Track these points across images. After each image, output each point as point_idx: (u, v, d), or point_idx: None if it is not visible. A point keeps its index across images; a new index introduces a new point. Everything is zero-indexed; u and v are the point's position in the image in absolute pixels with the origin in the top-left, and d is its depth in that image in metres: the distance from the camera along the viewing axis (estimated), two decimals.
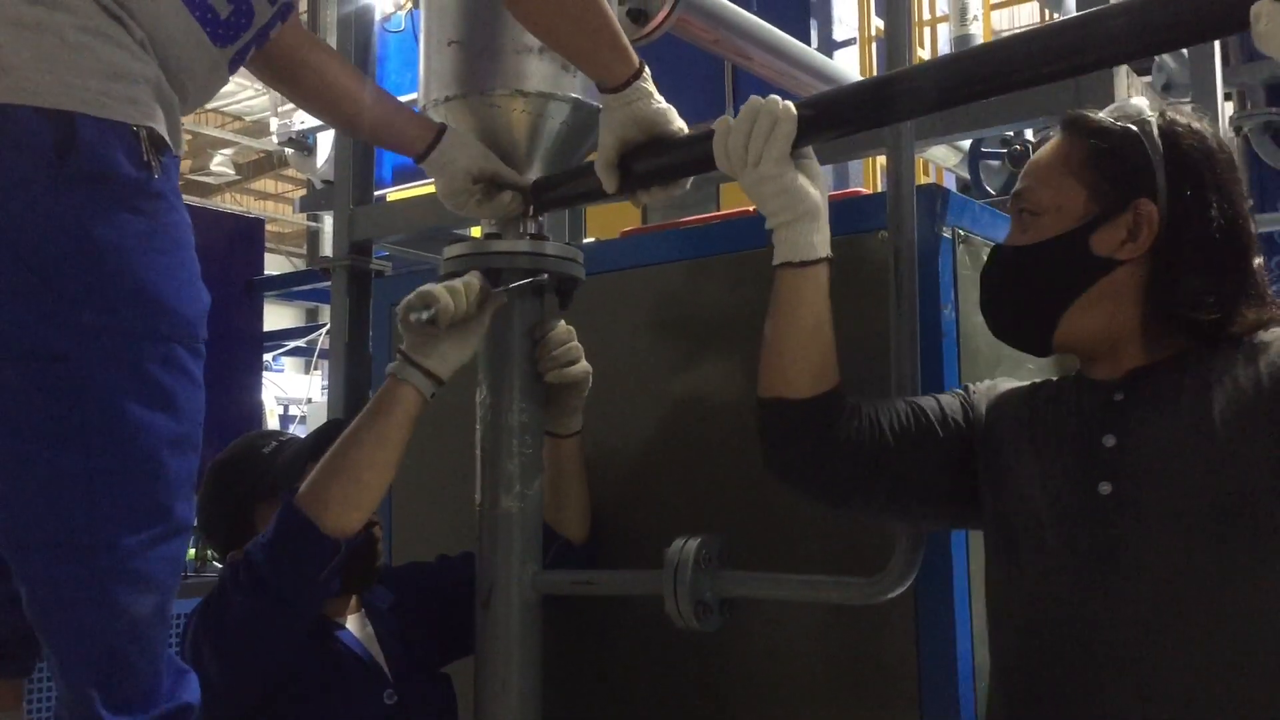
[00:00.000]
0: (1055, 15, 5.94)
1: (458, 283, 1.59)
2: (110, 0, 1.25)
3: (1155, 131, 1.33)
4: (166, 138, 1.28)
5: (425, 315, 1.55)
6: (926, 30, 6.47)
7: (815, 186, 1.43)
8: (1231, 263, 1.31)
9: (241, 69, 1.50)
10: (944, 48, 6.22)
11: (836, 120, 1.44)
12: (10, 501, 1.22)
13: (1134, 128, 1.33)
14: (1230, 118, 5.18)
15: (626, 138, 1.56)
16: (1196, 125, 1.34)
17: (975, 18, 5.08)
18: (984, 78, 1.33)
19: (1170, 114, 1.35)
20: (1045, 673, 1.31)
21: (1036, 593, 1.33)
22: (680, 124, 1.58)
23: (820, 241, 1.43)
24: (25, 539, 1.23)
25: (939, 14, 6.47)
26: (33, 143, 1.17)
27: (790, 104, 1.40)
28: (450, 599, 1.83)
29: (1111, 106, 1.40)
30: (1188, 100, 3.07)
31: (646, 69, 1.57)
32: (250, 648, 1.57)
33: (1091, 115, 1.37)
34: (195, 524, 1.61)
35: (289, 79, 1.70)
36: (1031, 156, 1.43)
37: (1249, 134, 5.22)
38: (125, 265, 1.22)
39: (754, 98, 1.42)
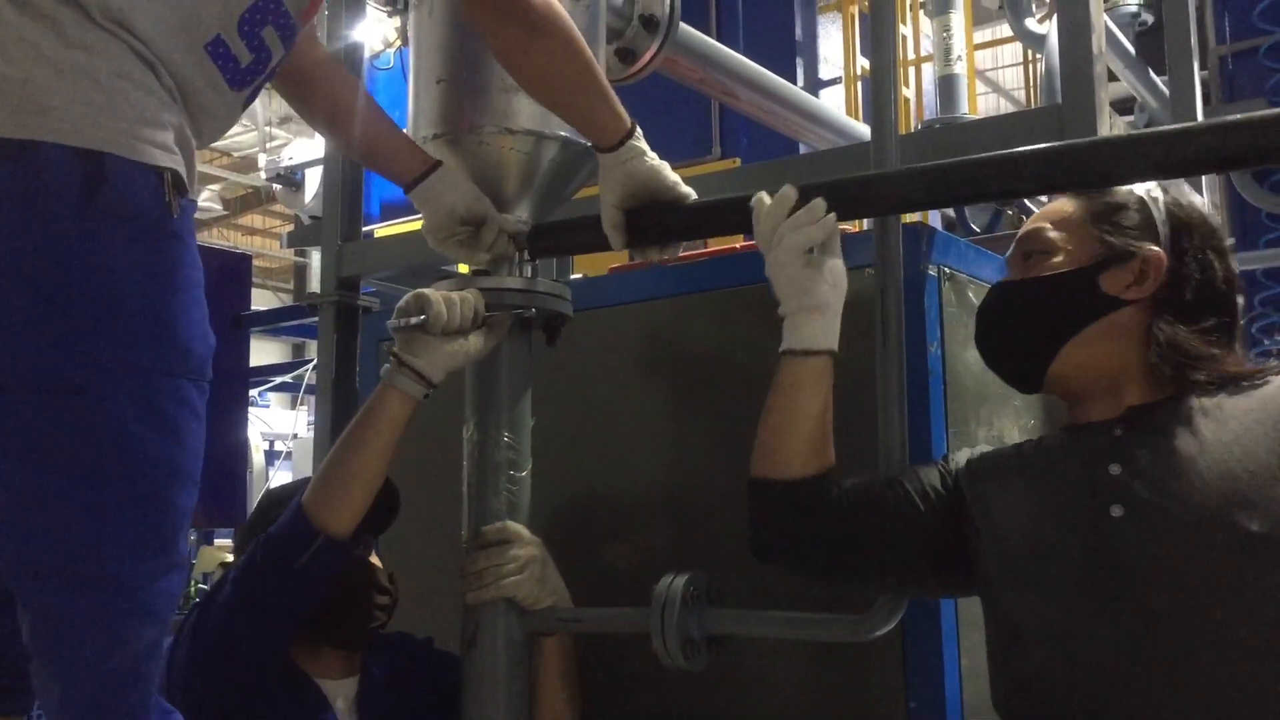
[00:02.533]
0: (1037, 55, 6.01)
1: (455, 295, 1.60)
2: (143, 48, 1.28)
3: (1160, 201, 1.43)
4: (187, 181, 1.31)
5: (414, 321, 1.57)
6: (911, 70, 6.54)
7: (831, 283, 1.48)
8: (1227, 312, 1.40)
9: None
10: (928, 87, 6.28)
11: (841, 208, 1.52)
12: (20, 530, 1.23)
13: (1140, 194, 1.43)
14: None
15: (626, 194, 1.61)
16: (1196, 202, 1.45)
17: (959, 58, 5.13)
18: (975, 185, 1.48)
19: (1172, 193, 1.45)
20: (1076, 710, 1.29)
21: (1057, 629, 1.32)
22: (674, 177, 1.63)
23: (823, 335, 1.48)
24: (33, 568, 1.23)
25: (923, 54, 6.54)
26: (63, 180, 1.20)
27: (829, 217, 1.47)
28: (448, 707, 1.77)
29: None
30: None
31: (638, 128, 1.61)
32: (223, 648, 1.59)
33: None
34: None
35: (300, 94, 1.76)
36: (1038, 210, 1.49)
37: (1231, 174, 5.26)
38: (143, 301, 1.24)
39: (788, 190, 1.48)
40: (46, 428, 1.21)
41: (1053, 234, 1.43)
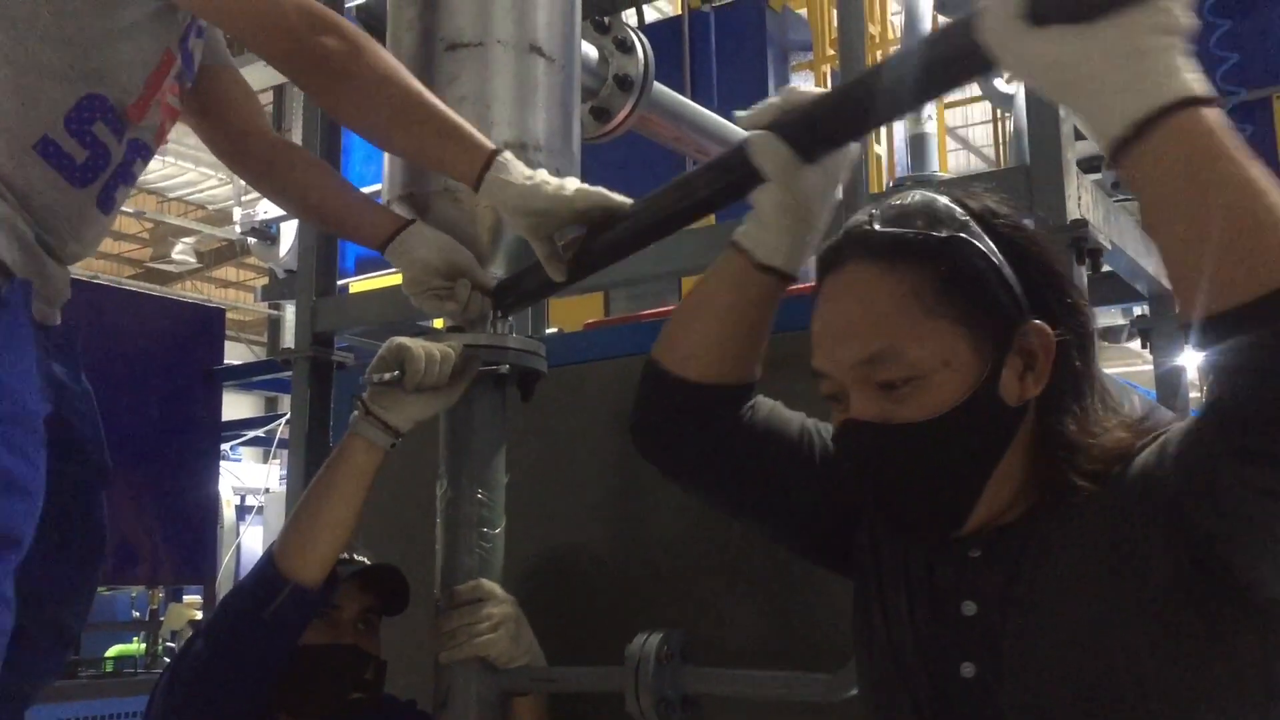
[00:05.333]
0: (1006, 114, 6.11)
1: (436, 349, 1.58)
2: None
3: (977, 228, 1.10)
4: (9, 263, 1.34)
5: (388, 377, 1.56)
6: (882, 127, 6.62)
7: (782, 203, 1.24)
8: (1091, 342, 1.13)
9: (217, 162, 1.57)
10: (900, 144, 6.36)
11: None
12: None
13: (961, 234, 1.09)
14: None
15: (531, 226, 1.48)
16: (1001, 207, 1.15)
17: (929, 117, 5.21)
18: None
19: (970, 202, 1.13)
20: None
21: None
22: (553, 186, 1.47)
23: (744, 234, 1.28)
24: None
25: None
26: None
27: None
28: None
29: (894, 206, 1.14)
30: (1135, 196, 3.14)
31: (503, 154, 1.50)
32: (198, 701, 1.57)
33: (900, 231, 1.10)
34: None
35: (264, 178, 1.81)
36: (829, 304, 1.14)
37: None
38: None
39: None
40: None
41: (908, 349, 1.06)
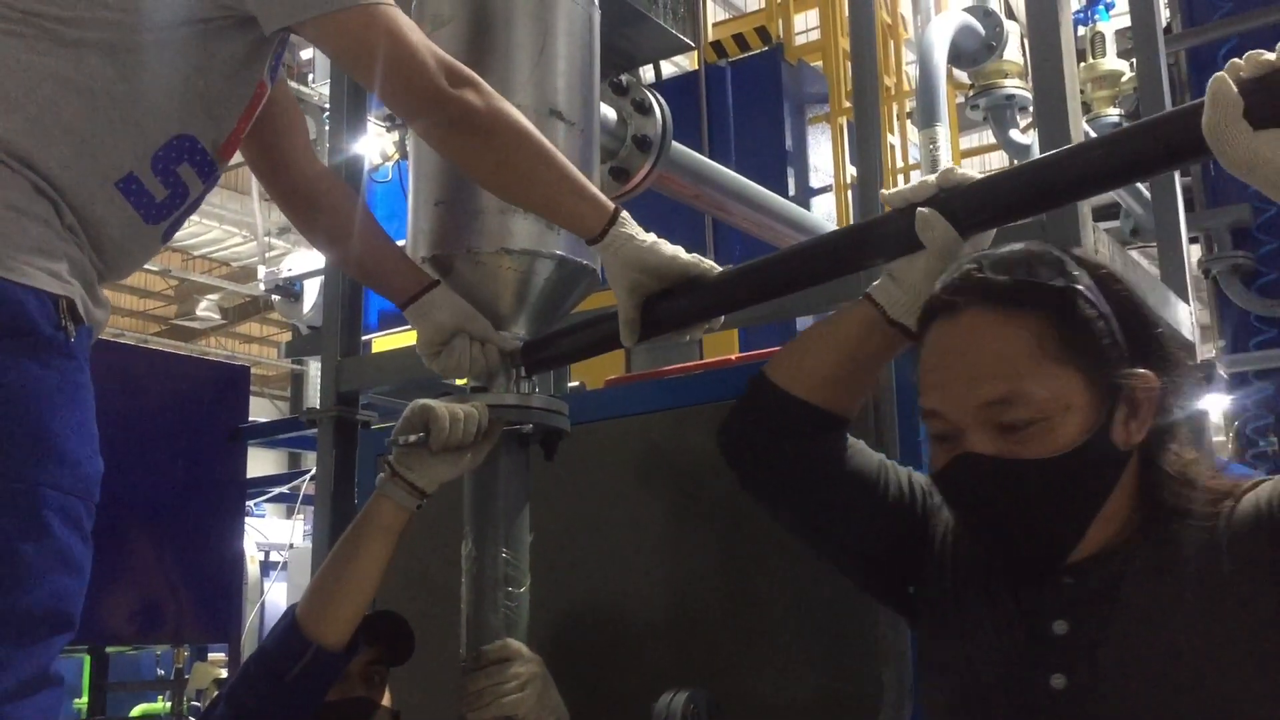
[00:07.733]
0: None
1: (459, 410, 1.59)
2: (45, 185, 1.32)
3: (1087, 278, 1.17)
4: (82, 311, 1.33)
5: (413, 439, 1.57)
6: (900, 177, 6.66)
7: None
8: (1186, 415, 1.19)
9: (258, 191, 1.57)
10: None
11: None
12: None
13: (1074, 284, 1.16)
14: (1198, 261, 5.31)
15: (632, 283, 1.54)
16: (1099, 259, 1.22)
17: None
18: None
19: (1074, 252, 1.22)
20: None
21: None
22: (671, 251, 1.55)
23: (880, 291, 1.35)
24: None
25: (912, 161, 6.66)
26: None
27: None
28: None
29: (1004, 256, 1.19)
30: (1153, 244, 3.14)
31: (623, 212, 1.56)
32: None
33: (1018, 280, 1.16)
34: None
35: (301, 211, 1.80)
36: (948, 348, 1.19)
37: (1218, 277, 5.33)
38: (31, 413, 1.24)
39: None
40: None
41: (1032, 391, 1.12)
